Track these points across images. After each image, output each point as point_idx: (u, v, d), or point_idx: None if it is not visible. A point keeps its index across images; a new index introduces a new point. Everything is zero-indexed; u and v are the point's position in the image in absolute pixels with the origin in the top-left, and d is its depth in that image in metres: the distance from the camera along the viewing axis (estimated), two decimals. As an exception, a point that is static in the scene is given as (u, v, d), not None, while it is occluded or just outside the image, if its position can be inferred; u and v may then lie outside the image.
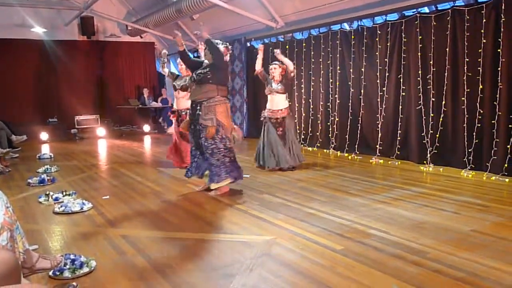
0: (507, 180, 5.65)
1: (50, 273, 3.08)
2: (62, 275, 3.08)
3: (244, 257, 3.38)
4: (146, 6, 13.25)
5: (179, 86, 7.18)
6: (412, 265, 3.15)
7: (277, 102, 6.88)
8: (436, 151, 6.76)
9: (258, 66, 6.98)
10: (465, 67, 6.28)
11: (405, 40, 7.16)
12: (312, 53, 8.98)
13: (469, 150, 6.29)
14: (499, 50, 5.87)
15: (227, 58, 5.50)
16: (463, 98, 6.35)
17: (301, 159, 7.01)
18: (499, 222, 4.09)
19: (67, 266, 3.12)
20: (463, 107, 6.36)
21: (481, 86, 6.12)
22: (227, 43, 5.58)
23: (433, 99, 6.78)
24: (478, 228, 3.90)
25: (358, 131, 8.16)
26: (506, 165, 5.83)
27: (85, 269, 3.14)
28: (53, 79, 13.97)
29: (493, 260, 3.20)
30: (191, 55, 6.24)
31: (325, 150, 8.71)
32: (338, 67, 8.46)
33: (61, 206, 4.83)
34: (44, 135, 11.78)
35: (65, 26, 13.86)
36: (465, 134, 6.34)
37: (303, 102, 9.33)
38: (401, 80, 7.30)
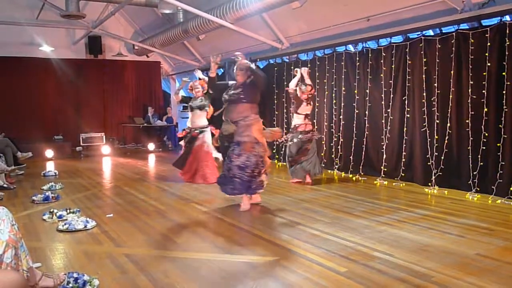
0: (512, 203, 5.62)
1: (53, 291, 3.07)
2: (65, 293, 3.07)
3: (248, 278, 3.36)
4: (153, 26, 13.43)
5: (197, 106, 7.80)
6: (417, 289, 3.13)
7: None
8: (441, 173, 6.74)
9: (293, 84, 7.56)
10: (470, 90, 6.30)
11: (409, 62, 7.20)
12: (317, 74, 9.03)
13: (474, 172, 6.27)
14: (503, 74, 5.88)
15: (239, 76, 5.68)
16: (467, 121, 6.35)
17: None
18: (505, 246, 4.05)
19: (70, 285, 3.10)
20: (467, 129, 6.35)
21: (486, 109, 6.12)
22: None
23: (438, 121, 6.79)
24: (483, 252, 3.87)
25: (363, 152, 8.15)
26: (511, 188, 5.80)
27: (88, 288, 3.13)
28: (59, 96, 14.09)
29: (499, 285, 3.16)
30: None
31: (329, 171, 8.70)
32: (343, 88, 8.51)
33: (65, 224, 4.83)
34: (49, 153, 11.85)
35: (72, 45, 14.06)
36: (470, 156, 6.32)
37: (308, 122, 9.36)
38: (406, 102, 7.32)
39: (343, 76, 8.48)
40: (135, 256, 3.92)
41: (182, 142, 8.17)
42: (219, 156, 7.62)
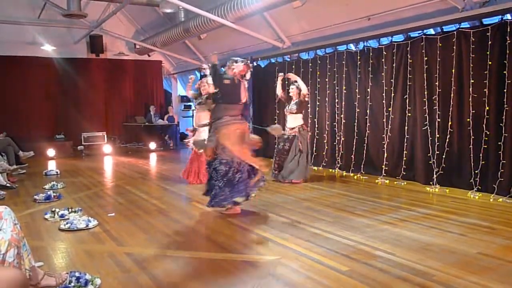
0: (514, 202, 5.62)
1: (55, 290, 3.08)
2: (67, 292, 3.08)
3: (249, 277, 3.37)
4: (154, 25, 13.44)
5: (197, 103, 7.63)
6: (418, 288, 3.13)
7: (289, 121, 7.49)
8: (442, 172, 6.74)
9: (279, 91, 7.54)
10: (471, 89, 6.30)
11: (411, 61, 7.20)
12: (318, 73, 9.04)
13: (476, 171, 6.27)
14: (504, 72, 5.88)
15: (247, 75, 5.69)
16: (468, 119, 6.35)
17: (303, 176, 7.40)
18: (506, 245, 4.05)
19: (72, 284, 3.11)
20: (468, 128, 6.35)
21: (487, 108, 6.12)
22: (247, 60, 5.67)
23: (439, 120, 6.79)
24: (485, 251, 3.87)
25: (364, 151, 8.15)
26: (513, 187, 5.80)
27: (90, 287, 3.14)
28: (61, 96, 14.12)
29: (501, 284, 3.16)
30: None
31: (330, 170, 8.71)
32: (344, 87, 8.51)
33: (67, 223, 4.84)
34: (51, 152, 11.85)
35: (74, 44, 14.06)
36: (471, 155, 6.32)
37: (309, 121, 9.35)
38: (407, 101, 7.32)
39: (344, 75, 8.48)
40: (137, 255, 3.93)
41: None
42: None
